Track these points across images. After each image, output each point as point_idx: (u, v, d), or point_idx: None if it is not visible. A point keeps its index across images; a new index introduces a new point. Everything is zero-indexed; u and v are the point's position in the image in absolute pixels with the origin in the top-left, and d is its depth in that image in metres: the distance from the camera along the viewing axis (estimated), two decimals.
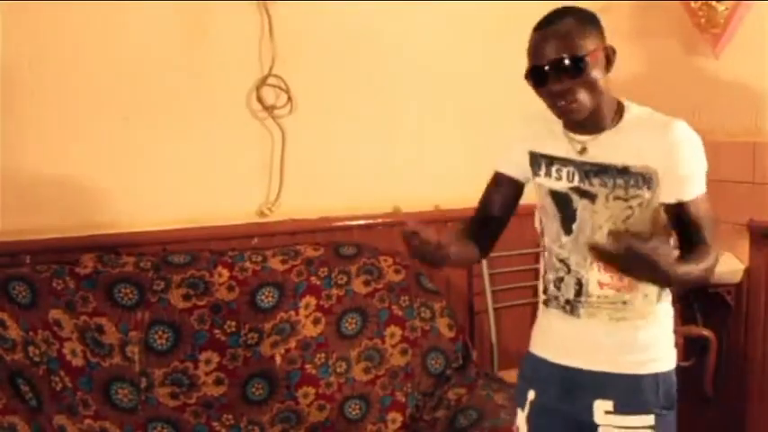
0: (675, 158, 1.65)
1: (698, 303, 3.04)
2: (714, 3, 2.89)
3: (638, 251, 1.44)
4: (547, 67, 1.62)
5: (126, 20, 2.64)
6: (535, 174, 1.80)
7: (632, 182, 1.67)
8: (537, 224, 1.87)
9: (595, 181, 1.70)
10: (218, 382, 2.54)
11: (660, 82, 3.21)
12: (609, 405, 1.73)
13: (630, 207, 1.69)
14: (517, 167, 1.83)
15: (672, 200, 1.67)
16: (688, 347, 3.06)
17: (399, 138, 3.11)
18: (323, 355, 2.68)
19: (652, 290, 1.74)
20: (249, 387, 2.58)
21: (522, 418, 1.86)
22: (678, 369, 3.13)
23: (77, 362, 2.39)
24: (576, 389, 1.77)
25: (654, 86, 3.23)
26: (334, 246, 2.84)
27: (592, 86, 1.63)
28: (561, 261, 1.78)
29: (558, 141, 1.74)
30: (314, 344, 2.68)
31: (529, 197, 1.88)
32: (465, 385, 2.68)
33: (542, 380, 1.83)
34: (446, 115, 3.19)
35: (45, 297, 2.39)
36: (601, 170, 1.69)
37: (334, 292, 2.75)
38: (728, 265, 2.92)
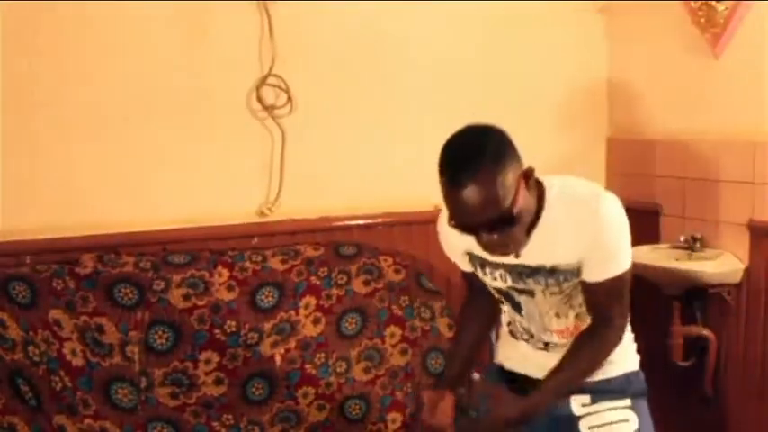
0: (600, 243, 1.63)
1: (698, 303, 3.04)
2: (714, 3, 2.89)
3: None
4: (478, 228, 1.57)
5: (126, 20, 2.63)
6: (476, 270, 1.85)
7: (562, 278, 1.71)
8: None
9: (529, 281, 1.74)
10: (217, 381, 2.54)
11: (660, 82, 3.21)
12: (586, 399, 1.80)
13: (567, 294, 1.75)
14: (470, 265, 1.87)
15: (595, 279, 1.68)
16: (688, 347, 3.06)
17: (399, 138, 3.11)
18: (323, 354, 2.68)
19: None
20: (249, 387, 2.58)
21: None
22: (678, 369, 3.13)
23: (77, 362, 2.39)
24: None
25: (654, 86, 3.24)
26: (334, 246, 2.85)
27: (524, 224, 1.60)
28: (524, 329, 1.87)
29: None
30: (314, 344, 2.68)
31: None
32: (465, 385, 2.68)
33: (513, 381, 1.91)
34: (446, 115, 3.18)
35: (45, 297, 2.39)
36: (532, 271, 1.72)
37: (334, 291, 2.75)
38: (728, 265, 2.92)
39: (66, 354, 2.38)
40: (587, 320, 1.78)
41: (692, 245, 3.02)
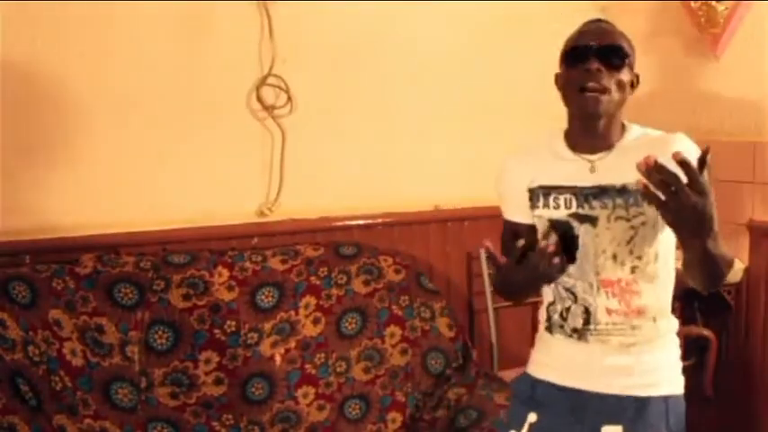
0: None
1: (698, 303, 3.04)
2: (714, 3, 2.89)
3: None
4: (594, 45, 1.65)
5: (126, 19, 2.64)
6: (533, 207, 1.77)
7: (632, 200, 1.65)
8: None
9: (595, 203, 1.68)
10: (217, 381, 2.54)
11: (660, 82, 3.21)
12: (618, 430, 1.69)
13: (633, 227, 1.66)
14: (524, 211, 1.79)
15: None
16: (688, 347, 3.06)
17: (399, 138, 3.12)
18: (323, 354, 2.68)
19: (660, 314, 1.73)
20: (249, 387, 2.58)
21: None
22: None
23: (77, 362, 2.39)
24: (584, 412, 1.73)
25: (654, 86, 3.24)
26: (334, 245, 2.84)
27: (622, 88, 1.68)
28: (567, 290, 1.75)
29: (564, 164, 1.72)
30: (314, 344, 2.68)
31: None
32: (465, 385, 2.68)
33: (546, 403, 1.78)
34: (446, 115, 3.19)
35: (45, 297, 2.39)
36: (600, 192, 1.67)
37: (334, 291, 2.75)
38: None
39: (66, 354, 2.38)
40: (643, 288, 1.68)
41: None
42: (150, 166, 2.72)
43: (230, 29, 2.79)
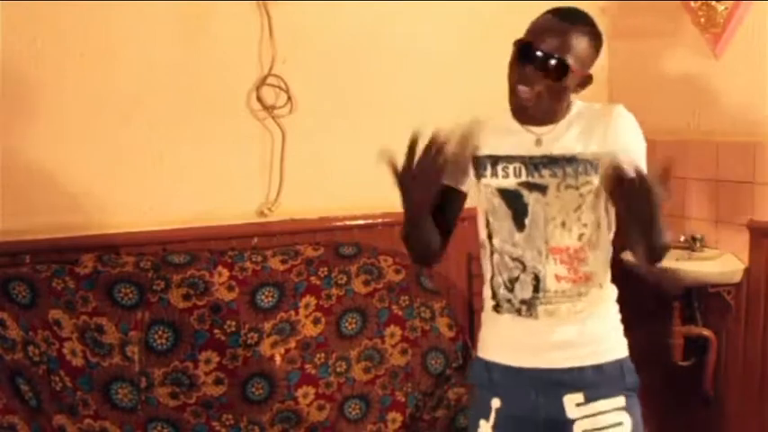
0: (617, 134, 1.70)
1: (698, 303, 3.04)
2: (714, 3, 2.89)
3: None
4: (538, 53, 1.65)
5: (126, 19, 2.64)
6: (480, 176, 1.79)
7: (581, 168, 1.70)
8: (482, 229, 1.84)
9: (545, 172, 1.72)
10: (217, 381, 2.54)
11: (660, 82, 3.21)
12: (579, 397, 1.74)
13: (581, 195, 1.71)
14: (456, 177, 1.82)
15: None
16: (688, 347, 3.06)
17: (399, 137, 3.10)
18: (323, 354, 2.68)
19: (604, 280, 1.78)
20: (249, 387, 2.58)
21: (486, 428, 1.81)
22: (678, 369, 3.14)
23: (77, 362, 2.39)
24: (544, 387, 1.76)
25: (654, 86, 3.24)
26: (334, 245, 2.84)
27: (558, 94, 1.69)
28: (515, 260, 1.77)
29: (512, 136, 1.76)
30: (314, 344, 2.68)
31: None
32: (465, 385, 2.68)
33: (506, 385, 1.80)
34: (446, 115, 3.16)
35: (45, 297, 2.39)
36: (550, 161, 1.71)
37: (334, 291, 2.75)
38: (729, 264, 2.92)
39: (66, 354, 2.38)
40: (590, 255, 1.72)
41: (693, 245, 3.02)
42: (150, 166, 2.72)
43: (230, 29, 2.79)
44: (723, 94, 2.97)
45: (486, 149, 1.78)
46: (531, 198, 1.73)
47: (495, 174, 1.77)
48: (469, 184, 1.84)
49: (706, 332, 3.01)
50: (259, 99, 2.85)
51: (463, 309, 3.23)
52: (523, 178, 1.73)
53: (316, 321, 2.70)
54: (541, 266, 1.74)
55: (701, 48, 3.00)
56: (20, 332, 2.31)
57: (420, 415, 2.66)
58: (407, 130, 3.16)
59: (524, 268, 1.76)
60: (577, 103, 1.77)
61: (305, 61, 2.90)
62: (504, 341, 1.82)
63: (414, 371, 2.72)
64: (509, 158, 1.75)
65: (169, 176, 2.75)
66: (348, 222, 3.02)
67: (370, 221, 3.04)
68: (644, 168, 1.55)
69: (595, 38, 1.71)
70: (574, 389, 1.74)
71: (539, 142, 1.73)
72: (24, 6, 2.49)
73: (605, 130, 1.70)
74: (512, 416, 1.79)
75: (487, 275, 1.85)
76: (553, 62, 1.64)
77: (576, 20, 1.69)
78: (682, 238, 3.05)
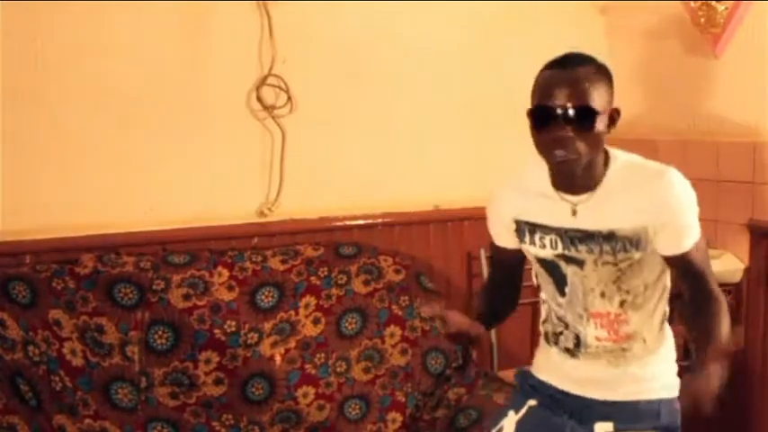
0: (671, 212, 1.60)
1: None
2: (714, 3, 2.89)
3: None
4: (559, 111, 1.54)
5: (126, 19, 2.64)
6: (521, 240, 1.78)
7: (619, 246, 1.63)
8: (534, 279, 1.88)
9: (582, 248, 1.66)
10: (217, 381, 2.54)
11: (660, 82, 3.21)
12: (609, 426, 1.74)
13: (620, 269, 1.67)
14: (509, 238, 1.81)
15: (671, 252, 1.64)
16: (686, 347, 3.06)
17: (399, 137, 3.12)
18: (323, 354, 2.68)
19: (650, 337, 1.76)
20: (249, 387, 2.58)
21: (512, 419, 1.83)
22: (678, 369, 3.13)
23: (77, 362, 2.39)
24: (579, 411, 1.79)
25: (654, 86, 3.24)
26: (334, 245, 2.84)
27: (595, 142, 1.58)
28: (559, 318, 1.80)
29: (548, 203, 1.69)
30: (314, 344, 2.68)
31: None
32: (465, 385, 2.68)
33: (545, 396, 1.85)
34: (446, 115, 3.19)
35: (45, 297, 2.39)
36: (586, 236, 1.65)
37: (334, 291, 2.75)
38: (729, 264, 2.92)
39: (66, 354, 2.38)
40: (632, 316, 1.70)
41: None
42: (150, 166, 2.72)
43: (230, 29, 2.79)
44: (723, 94, 2.97)
45: (524, 215, 1.74)
46: (568, 270, 1.71)
47: (533, 242, 1.74)
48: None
49: None
50: (259, 99, 2.85)
51: (463, 309, 3.23)
52: (560, 251, 1.70)
53: (316, 321, 2.70)
54: (582, 328, 1.75)
55: (700, 48, 3.00)
56: (20, 332, 2.31)
57: (420, 415, 2.66)
58: (407, 130, 3.18)
59: (567, 326, 1.79)
60: (618, 159, 1.65)
61: (305, 61, 2.90)
62: (552, 367, 1.86)
63: (414, 371, 2.72)
64: (545, 229, 1.70)
65: (169, 176, 2.75)
66: (348, 222, 3.02)
67: (370, 221, 3.05)
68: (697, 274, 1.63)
69: (604, 72, 1.62)
70: (605, 419, 1.75)
71: (574, 213, 1.65)
72: (24, 6, 2.49)
73: (658, 203, 1.59)
74: (544, 416, 1.81)
75: (542, 316, 1.89)
76: (579, 112, 1.54)
77: (576, 63, 1.59)
78: None
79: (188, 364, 2.52)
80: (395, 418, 2.66)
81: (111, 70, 2.64)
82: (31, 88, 2.54)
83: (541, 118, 1.57)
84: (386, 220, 3.07)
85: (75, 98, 2.60)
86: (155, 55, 2.69)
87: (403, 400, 2.69)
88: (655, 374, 1.77)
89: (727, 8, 2.87)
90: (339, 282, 2.76)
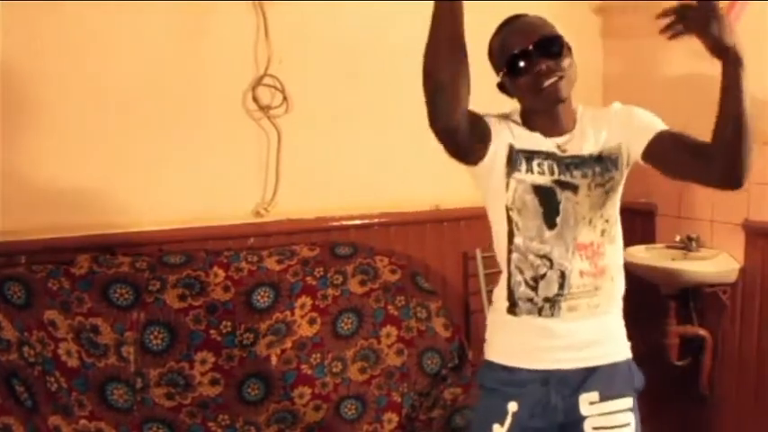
0: (632, 115, 1.79)
1: (693, 303, 3.05)
2: None
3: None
4: (532, 48, 1.71)
5: (123, 19, 2.63)
6: (515, 170, 1.76)
7: (610, 164, 1.77)
8: (500, 228, 1.80)
9: (576, 173, 1.75)
10: (213, 382, 2.54)
11: (657, 82, 3.21)
12: (594, 396, 1.77)
13: (606, 192, 1.77)
14: (495, 135, 1.81)
15: (650, 136, 1.76)
16: (684, 347, 3.07)
17: (397, 137, 3.11)
18: (319, 355, 2.68)
19: (616, 273, 1.80)
20: (245, 387, 2.58)
21: None
22: (674, 368, 3.14)
23: (72, 362, 2.39)
24: (561, 389, 1.77)
25: (653, 86, 3.24)
26: (331, 246, 2.84)
27: (572, 72, 1.73)
28: (542, 257, 1.76)
29: (538, 140, 1.79)
30: (310, 344, 2.68)
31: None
32: (461, 385, 2.68)
33: (521, 388, 1.79)
34: None
35: (40, 297, 2.39)
36: (580, 162, 1.76)
37: (330, 292, 2.75)
38: (724, 264, 2.92)
39: (62, 354, 2.37)
40: (608, 249, 1.78)
41: (688, 244, 3.02)
42: (146, 167, 2.72)
43: (226, 29, 2.79)
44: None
45: (518, 143, 1.78)
46: (563, 196, 1.76)
47: (530, 169, 1.77)
48: (485, 168, 1.81)
49: (702, 332, 3.02)
50: (255, 99, 2.84)
51: (459, 309, 3.24)
52: (556, 176, 1.76)
53: (311, 322, 2.70)
54: (568, 263, 1.76)
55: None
56: (15, 333, 2.31)
57: (416, 415, 2.66)
58: (403, 131, 3.18)
59: (551, 265, 1.76)
60: (579, 107, 1.82)
61: (301, 61, 2.90)
62: (520, 344, 1.81)
63: (410, 371, 2.72)
64: (544, 155, 1.77)
65: (165, 177, 2.74)
66: (344, 222, 3.02)
67: (366, 222, 3.05)
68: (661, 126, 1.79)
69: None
70: (589, 389, 1.77)
71: (562, 150, 1.77)
72: (24, 6, 2.48)
73: (619, 118, 1.79)
74: (530, 425, 1.78)
75: (505, 275, 1.83)
76: (550, 41, 1.72)
77: (532, 16, 1.82)
78: (677, 238, 3.05)
79: (184, 364, 2.52)
80: (391, 418, 2.66)
81: (107, 70, 2.63)
82: (30, 88, 2.53)
83: (520, 64, 1.74)
84: (382, 220, 3.07)
85: (71, 99, 2.59)
86: (150, 55, 2.69)
87: (399, 400, 2.69)
88: (620, 330, 1.84)
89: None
90: (335, 282, 2.76)
